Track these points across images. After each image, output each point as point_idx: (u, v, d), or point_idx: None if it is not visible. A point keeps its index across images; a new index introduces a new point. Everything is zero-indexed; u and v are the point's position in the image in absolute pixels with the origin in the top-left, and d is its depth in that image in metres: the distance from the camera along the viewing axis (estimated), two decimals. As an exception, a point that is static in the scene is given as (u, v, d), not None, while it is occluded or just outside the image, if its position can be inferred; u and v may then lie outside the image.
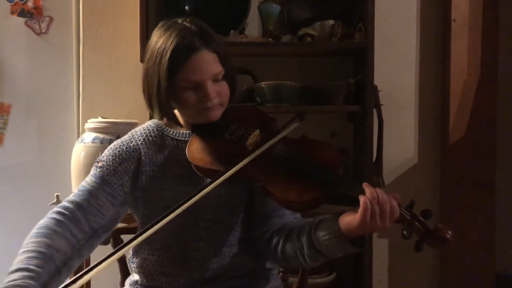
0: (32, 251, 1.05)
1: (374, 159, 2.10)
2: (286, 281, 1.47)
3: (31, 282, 0.98)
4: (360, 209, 0.98)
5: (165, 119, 1.27)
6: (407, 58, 2.34)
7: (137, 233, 1.02)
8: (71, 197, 1.20)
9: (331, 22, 2.07)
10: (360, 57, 2.12)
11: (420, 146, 2.37)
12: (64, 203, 1.18)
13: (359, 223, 0.99)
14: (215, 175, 1.12)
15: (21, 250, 1.07)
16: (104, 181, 1.20)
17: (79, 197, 1.18)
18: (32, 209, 2.26)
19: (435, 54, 2.35)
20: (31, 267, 1.01)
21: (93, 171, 1.23)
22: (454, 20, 2.27)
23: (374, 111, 2.09)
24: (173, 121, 1.25)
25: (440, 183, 2.37)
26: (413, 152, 2.37)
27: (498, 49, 2.23)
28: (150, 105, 1.23)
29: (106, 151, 1.26)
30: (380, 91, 2.13)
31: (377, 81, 2.07)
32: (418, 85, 2.36)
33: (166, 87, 1.16)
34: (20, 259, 1.04)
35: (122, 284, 1.40)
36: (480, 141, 2.23)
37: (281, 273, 1.47)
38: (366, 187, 1.00)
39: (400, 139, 2.34)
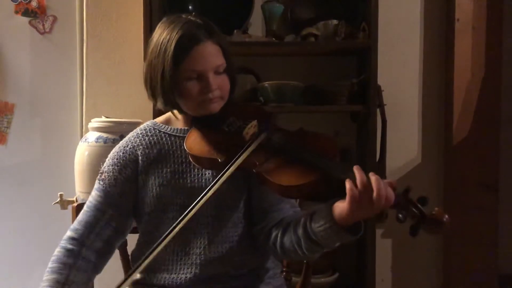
0: None
1: (377, 159, 2.10)
2: (290, 280, 1.48)
3: None
4: (347, 196, 0.97)
5: (163, 117, 1.30)
6: (410, 58, 2.34)
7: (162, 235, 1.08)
8: (80, 216, 1.25)
9: (335, 21, 2.07)
10: (363, 56, 2.12)
11: (424, 146, 2.37)
12: (74, 225, 1.24)
13: (349, 210, 0.98)
14: (212, 164, 1.14)
15: (40, 286, 1.14)
16: (108, 194, 1.24)
17: (87, 215, 1.24)
18: (35, 209, 2.27)
19: (439, 54, 2.35)
20: None
21: (96, 184, 1.27)
22: (458, 19, 2.26)
23: (378, 111, 2.09)
24: (177, 109, 1.26)
25: (443, 183, 2.36)
26: (416, 153, 2.37)
27: (502, 49, 2.22)
28: (154, 95, 1.24)
29: (106, 160, 1.30)
30: (383, 91, 2.12)
31: (381, 81, 2.06)
32: (421, 85, 2.35)
33: (171, 76, 1.17)
34: None
35: (125, 282, 1.41)
36: (483, 141, 2.23)
37: (284, 273, 1.47)
38: (356, 170, 0.98)
39: (403, 139, 2.34)
